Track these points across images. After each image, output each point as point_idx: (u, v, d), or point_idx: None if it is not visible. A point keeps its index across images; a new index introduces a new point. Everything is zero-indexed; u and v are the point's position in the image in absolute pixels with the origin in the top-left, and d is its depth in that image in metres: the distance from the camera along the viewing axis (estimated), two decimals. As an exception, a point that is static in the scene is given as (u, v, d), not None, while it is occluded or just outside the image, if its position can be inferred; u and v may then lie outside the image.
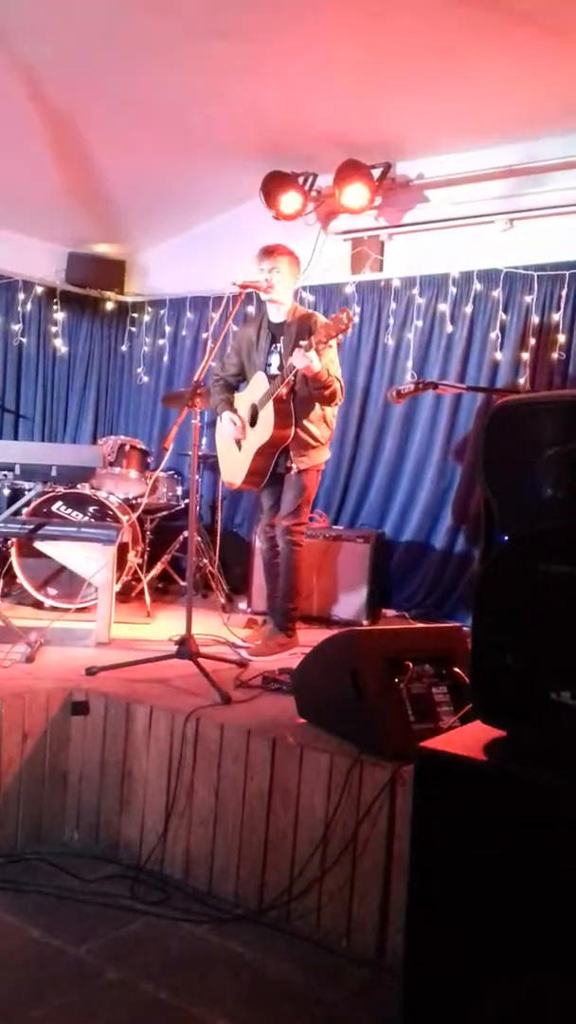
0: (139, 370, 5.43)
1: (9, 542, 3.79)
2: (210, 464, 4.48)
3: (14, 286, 5.08)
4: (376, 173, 4.20)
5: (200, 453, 3.60)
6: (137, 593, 4.09)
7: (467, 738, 1.58)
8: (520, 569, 1.51)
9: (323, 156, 4.20)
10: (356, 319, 4.52)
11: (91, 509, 3.88)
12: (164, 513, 4.50)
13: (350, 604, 3.96)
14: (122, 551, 3.78)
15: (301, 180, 4.41)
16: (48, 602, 3.79)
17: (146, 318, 5.41)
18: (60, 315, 5.29)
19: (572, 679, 1.44)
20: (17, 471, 3.15)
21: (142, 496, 4.13)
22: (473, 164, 4.12)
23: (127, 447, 4.43)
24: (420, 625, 3.70)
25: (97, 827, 2.45)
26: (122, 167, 4.41)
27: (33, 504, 3.73)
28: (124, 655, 2.87)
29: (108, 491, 4.09)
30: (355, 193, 4.17)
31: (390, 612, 4.23)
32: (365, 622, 3.90)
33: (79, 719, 2.50)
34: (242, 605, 4.21)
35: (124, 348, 5.54)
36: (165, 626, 3.56)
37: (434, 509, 4.26)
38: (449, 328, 4.23)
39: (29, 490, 3.63)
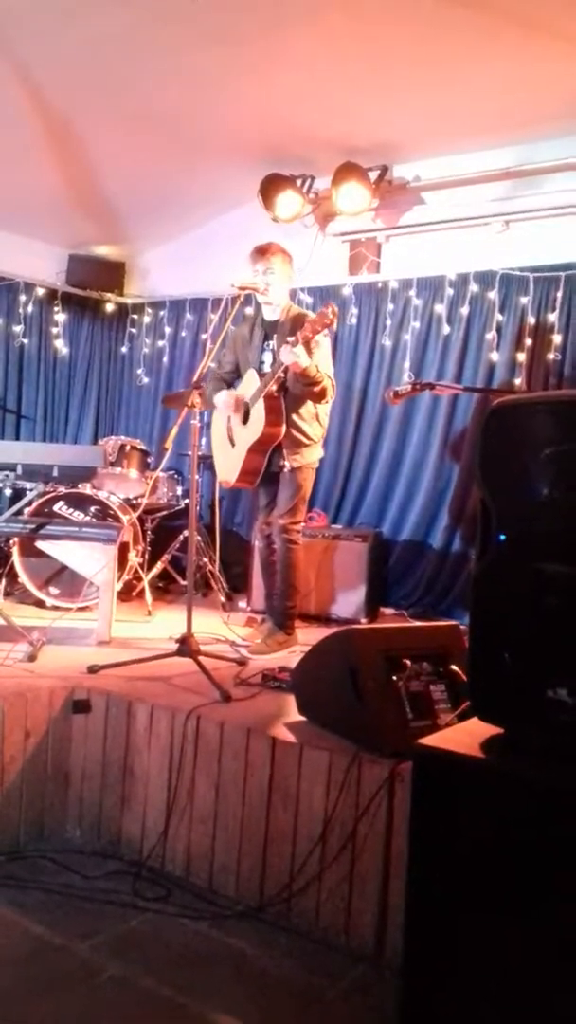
0: (139, 371, 5.45)
1: (11, 541, 3.81)
2: (209, 464, 4.47)
3: (15, 288, 5.09)
4: (373, 175, 4.22)
5: (199, 453, 3.62)
6: (138, 592, 4.11)
7: (465, 735, 1.59)
8: (517, 568, 1.52)
9: (321, 158, 4.22)
10: (353, 320, 4.54)
11: (92, 509, 3.90)
12: (164, 513, 4.52)
13: (348, 603, 3.98)
14: (123, 550, 3.80)
15: (299, 182, 4.43)
16: (50, 601, 3.80)
17: (146, 319, 5.42)
18: (61, 316, 5.31)
19: (569, 677, 1.45)
20: (19, 471, 3.16)
21: (142, 496, 4.15)
22: (469, 166, 4.14)
23: (127, 447, 4.44)
24: (418, 623, 3.72)
25: (99, 824, 2.47)
26: (122, 170, 4.42)
27: (35, 504, 3.75)
28: (125, 654, 2.89)
29: (109, 491, 4.11)
30: (352, 195, 4.19)
31: (388, 610, 4.25)
32: (363, 620, 3.92)
33: (81, 717, 2.51)
34: (242, 604, 4.23)
35: (124, 349, 5.56)
36: (165, 625, 3.57)
37: (431, 508, 4.28)
38: (446, 329, 4.25)
39: (31, 490, 3.64)
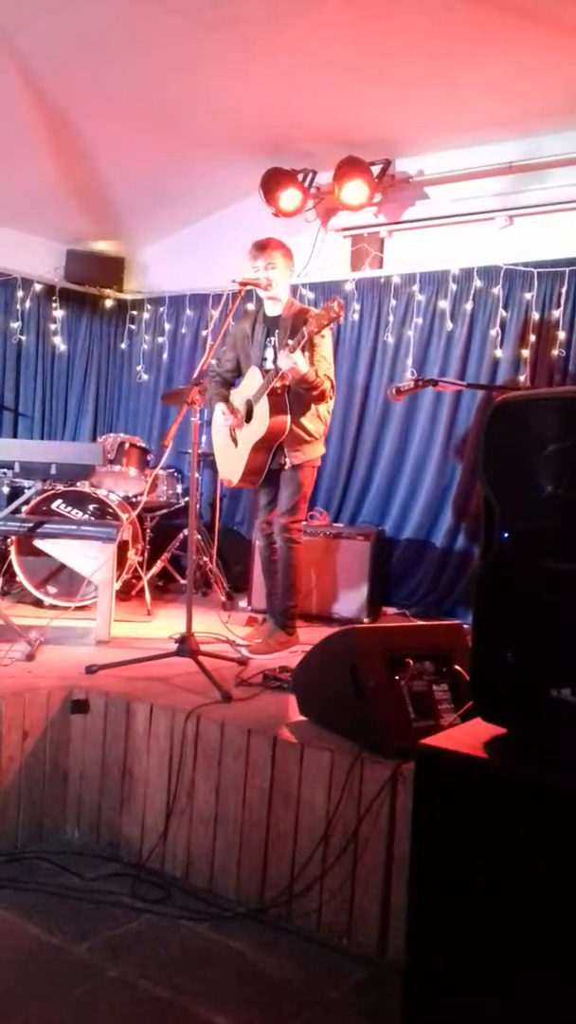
0: (139, 368, 5.43)
1: (9, 540, 3.79)
2: (210, 462, 4.47)
3: (13, 283, 5.07)
4: (376, 170, 4.19)
5: (200, 451, 3.60)
6: (137, 591, 4.09)
7: (467, 735, 1.57)
8: (520, 566, 1.51)
9: (323, 153, 4.19)
10: (356, 316, 4.52)
11: (91, 507, 3.88)
12: (164, 511, 4.50)
13: (350, 602, 3.96)
14: (122, 549, 3.78)
15: (301, 177, 4.40)
16: (48, 600, 3.79)
17: (145, 315, 5.40)
18: (59, 313, 5.29)
19: (572, 676, 1.43)
20: (17, 469, 3.14)
21: (142, 494, 4.12)
22: (473, 161, 4.11)
23: (127, 445, 4.42)
24: (420, 623, 3.69)
25: (98, 825, 2.45)
26: (121, 164, 4.40)
27: (33, 502, 3.73)
28: (124, 653, 2.87)
29: (108, 489, 4.09)
30: (355, 190, 4.17)
31: (391, 610, 4.23)
32: (365, 620, 3.90)
33: (79, 717, 2.50)
34: (242, 603, 4.21)
35: (123, 346, 5.53)
36: (165, 624, 3.56)
37: (434, 507, 4.25)
38: (449, 325, 4.22)
39: (29, 488, 3.63)
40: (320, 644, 2.28)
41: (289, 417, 3.11)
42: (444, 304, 4.23)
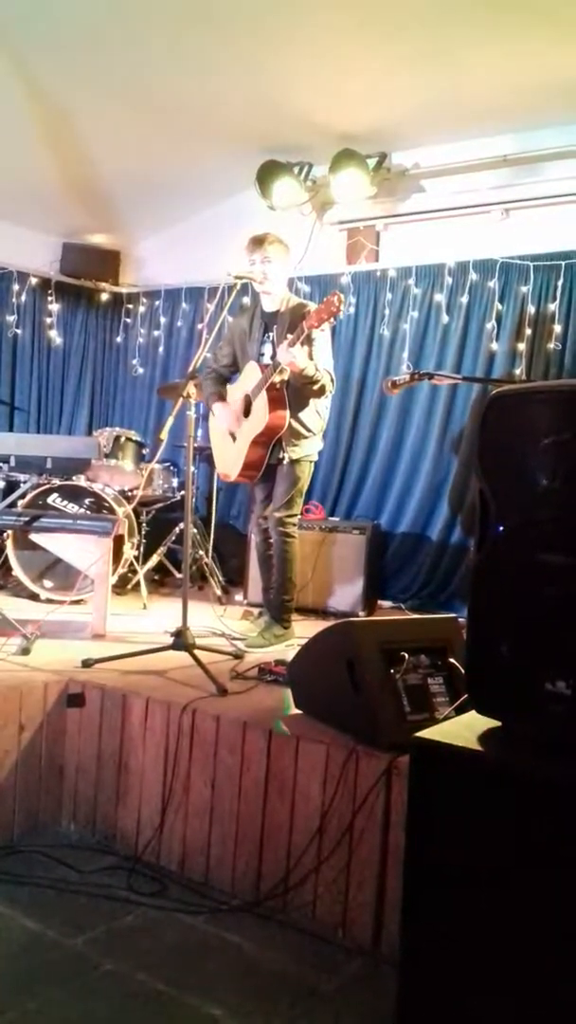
0: (134, 361, 5.41)
1: (4, 534, 3.78)
2: (206, 456, 4.47)
3: (8, 277, 5.04)
4: (372, 163, 4.17)
5: (195, 445, 3.59)
6: (133, 585, 4.09)
7: (463, 729, 1.57)
8: (516, 560, 1.51)
9: (319, 145, 4.17)
10: (352, 310, 4.50)
11: (87, 501, 3.87)
12: (160, 505, 4.49)
13: (346, 596, 3.96)
14: (118, 543, 3.77)
15: (296, 170, 4.38)
16: (44, 594, 3.78)
17: (141, 309, 5.38)
18: (55, 306, 5.26)
19: (567, 669, 1.43)
20: (12, 463, 3.15)
21: (137, 488, 4.12)
22: (469, 154, 4.10)
23: (122, 439, 4.41)
24: (416, 616, 3.70)
25: (94, 819, 2.45)
26: (117, 157, 4.37)
27: (28, 496, 3.72)
28: (120, 647, 2.86)
29: (103, 483, 4.08)
30: (351, 183, 4.15)
31: (386, 603, 4.24)
32: (361, 613, 3.90)
33: (75, 711, 2.50)
34: (238, 597, 4.21)
35: (119, 339, 5.52)
36: (161, 618, 3.55)
37: (430, 500, 4.25)
38: (445, 318, 4.21)
39: (24, 482, 3.62)
40: (315, 638, 2.28)
41: (288, 412, 3.11)
42: (440, 297, 4.22)
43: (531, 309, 3.96)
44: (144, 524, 4.35)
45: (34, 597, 3.81)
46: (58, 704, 2.48)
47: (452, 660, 2.11)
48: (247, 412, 3.23)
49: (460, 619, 2.31)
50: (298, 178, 4.37)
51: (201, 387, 3.48)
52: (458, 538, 4.17)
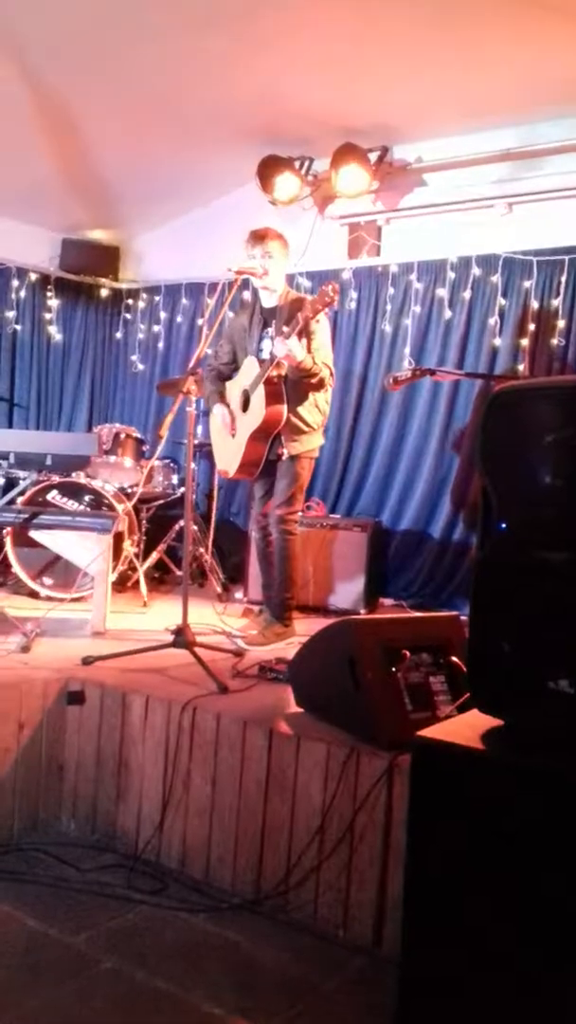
0: (134, 357, 5.39)
1: (4, 531, 3.77)
2: (206, 452, 4.46)
3: (7, 273, 5.03)
4: (373, 157, 4.15)
5: (196, 441, 3.57)
6: (133, 583, 4.08)
7: (464, 727, 1.57)
8: (518, 557, 1.50)
9: (320, 140, 4.15)
10: (353, 305, 4.48)
11: (86, 498, 3.86)
12: (160, 502, 4.48)
13: (347, 593, 3.95)
14: (118, 540, 3.76)
15: (297, 164, 4.36)
16: (44, 592, 3.77)
17: (141, 305, 5.36)
18: (54, 302, 5.25)
19: (570, 667, 1.42)
20: (11, 460, 3.13)
21: (137, 485, 4.11)
22: (471, 147, 4.07)
23: (122, 435, 4.40)
24: (417, 614, 3.69)
25: (93, 817, 2.45)
26: (116, 152, 4.35)
27: (28, 493, 3.71)
28: (120, 645, 2.86)
29: (103, 480, 4.06)
30: (352, 177, 4.13)
31: (387, 601, 4.23)
32: (362, 611, 3.89)
33: (75, 709, 2.49)
34: (238, 594, 4.20)
35: (119, 335, 5.50)
36: (161, 616, 3.54)
37: (432, 497, 4.24)
38: (447, 314, 4.19)
39: (24, 479, 3.61)
40: (316, 636, 2.27)
41: (286, 407, 3.09)
42: (442, 292, 4.20)
43: (534, 304, 3.94)
44: (144, 521, 4.33)
45: (34, 595, 3.79)
46: (58, 702, 2.48)
47: (454, 658, 2.10)
48: (245, 407, 3.22)
49: (462, 617, 2.29)
50: (299, 172, 4.35)
51: (201, 384, 3.47)
52: (460, 535, 4.16)
